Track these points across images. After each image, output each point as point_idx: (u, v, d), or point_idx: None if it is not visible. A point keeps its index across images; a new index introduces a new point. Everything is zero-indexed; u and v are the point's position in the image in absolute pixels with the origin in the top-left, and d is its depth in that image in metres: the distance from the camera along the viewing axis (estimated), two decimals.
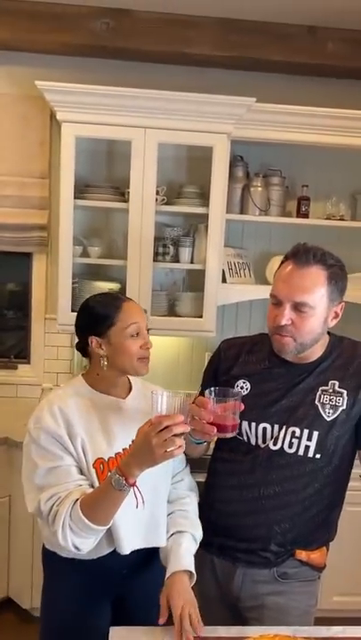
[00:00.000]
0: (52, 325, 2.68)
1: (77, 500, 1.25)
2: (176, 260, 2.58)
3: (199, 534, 1.45)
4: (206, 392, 1.28)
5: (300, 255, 1.35)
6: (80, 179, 2.48)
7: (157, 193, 2.45)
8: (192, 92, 2.33)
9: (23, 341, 2.87)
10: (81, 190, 2.49)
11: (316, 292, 1.32)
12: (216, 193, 2.44)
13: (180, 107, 2.34)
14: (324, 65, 2.58)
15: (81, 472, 1.33)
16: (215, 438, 1.56)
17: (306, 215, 2.67)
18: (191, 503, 1.49)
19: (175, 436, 1.13)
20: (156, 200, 2.45)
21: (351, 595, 2.53)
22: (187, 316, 2.58)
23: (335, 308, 1.38)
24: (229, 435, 1.29)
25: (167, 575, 1.35)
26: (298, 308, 1.33)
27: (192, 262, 2.58)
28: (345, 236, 2.80)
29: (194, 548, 1.43)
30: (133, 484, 1.20)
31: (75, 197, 2.43)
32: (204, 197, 2.52)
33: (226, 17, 2.49)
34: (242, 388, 1.46)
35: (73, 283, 2.54)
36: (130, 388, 1.48)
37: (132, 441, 1.34)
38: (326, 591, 2.44)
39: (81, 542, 1.26)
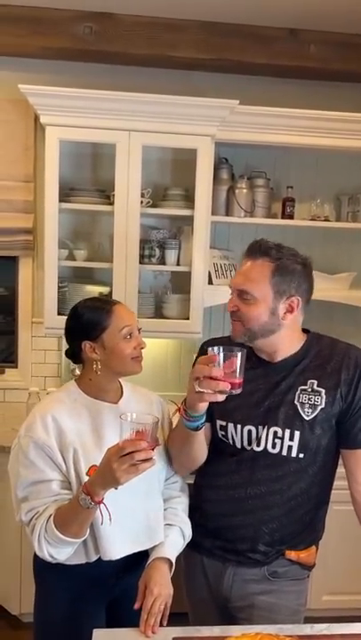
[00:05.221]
0: (39, 329, 2.68)
1: (51, 515, 1.27)
2: (162, 262, 2.58)
3: (188, 531, 1.47)
4: (210, 350, 1.25)
5: (250, 250, 1.42)
6: (65, 182, 2.48)
7: (142, 195, 2.46)
8: (176, 94, 2.34)
9: (11, 346, 2.86)
10: (66, 193, 2.49)
11: (257, 282, 1.37)
12: (201, 195, 2.45)
13: (163, 109, 2.34)
14: (306, 67, 2.60)
15: (68, 484, 1.34)
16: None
17: (291, 216, 2.69)
18: (182, 502, 1.51)
19: (140, 461, 1.15)
20: (142, 202, 2.45)
21: (341, 594, 2.53)
22: (174, 318, 2.59)
23: (287, 302, 1.38)
24: (236, 391, 1.25)
25: (148, 561, 1.38)
26: (242, 295, 1.39)
27: (178, 264, 2.59)
28: (330, 237, 2.83)
29: (181, 542, 1.45)
30: (100, 502, 1.22)
31: (60, 201, 2.42)
32: (189, 199, 2.52)
33: (209, 20, 2.50)
34: None
35: (62, 287, 2.54)
36: (122, 393, 1.49)
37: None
38: (316, 591, 2.45)
39: (57, 552, 1.29)
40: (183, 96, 2.34)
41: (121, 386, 1.50)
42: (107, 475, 1.18)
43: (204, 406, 1.29)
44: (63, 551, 1.30)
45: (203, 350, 1.57)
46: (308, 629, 1.25)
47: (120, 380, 1.50)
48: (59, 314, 2.47)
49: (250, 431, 1.42)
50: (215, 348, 1.24)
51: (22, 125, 2.63)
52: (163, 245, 2.59)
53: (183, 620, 1.48)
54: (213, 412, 1.43)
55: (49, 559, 1.30)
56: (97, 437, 1.38)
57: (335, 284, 2.69)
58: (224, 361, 1.23)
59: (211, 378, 1.22)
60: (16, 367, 2.83)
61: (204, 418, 1.34)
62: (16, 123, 2.62)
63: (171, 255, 2.57)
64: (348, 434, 1.41)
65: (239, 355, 1.23)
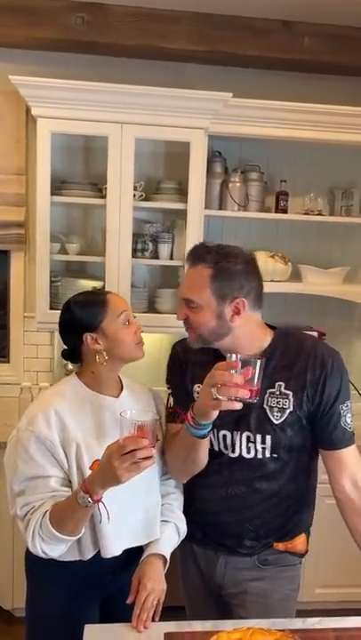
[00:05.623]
0: (32, 324, 2.66)
1: (47, 511, 1.26)
2: (155, 256, 2.57)
3: (183, 527, 1.48)
4: (228, 356, 1.25)
5: (188, 256, 1.41)
6: (57, 175, 2.45)
7: (135, 189, 2.44)
8: (168, 87, 2.32)
9: (3, 340, 2.84)
10: (58, 187, 2.46)
11: (197, 289, 1.36)
12: (194, 188, 2.43)
13: (156, 102, 2.32)
14: (299, 60, 2.58)
15: (67, 481, 1.33)
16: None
17: (285, 210, 2.68)
18: (177, 499, 1.51)
19: (141, 459, 1.14)
20: (134, 196, 2.43)
21: (333, 587, 2.55)
22: (167, 313, 2.58)
23: (232, 305, 1.36)
24: (253, 400, 1.24)
25: (143, 556, 1.38)
26: (188, 304, 1.38)
27: (172, 258, 2.57)
28: (323, 231, 2.83)
29: (175, 538, 1.45)
30: (98, 501, 1.21)
31: (52, 194, 2.40)
32: (182, 193, 2.51)
33: (201, 11, 2.47)
34: (197, 393, 1.45)
35: (55, 281, 2.52)
36: (121, 387, 1.49)
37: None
38: (308, 584, 2.46)
39: (50, 550, 1.28)
40: (176, 88, 2.32)
41: (120, 380, 1.50)
42: (107, 473, 1.17)
43: (215, 414, 1.27)
44: (56, 548, 1.29)
45: (174, 351, 1.56)
46: (300, 623, 1.25)
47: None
48: (51, 308, 2.45)
49: (225, 436, 1.42)
50: (234, 355, 1.23)
51: (13, 117, 2.59)
52: (156, 239, 2.57)
53: (178, 613, 1.48)
54: None
55: (42, 555, 1.29)
56: (99, 432, 1.37)
57: (329, 278, 2.69)
58: (242, 368, 1.22)
59: (230, 385, 1.20)
60: (8, 362, 2.81)
61: (212, 424, 1.32)
62: (7, 114, 2.59)
63: (164, 249, 2.55)
64: (323, 434, 1.40)
65: (259, 362, 1.22)
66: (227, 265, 1.35)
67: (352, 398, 2.70)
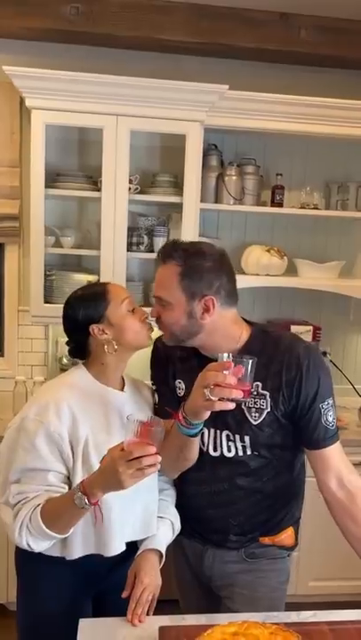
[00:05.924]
0: (26, 317, 2.64)
1: (40, 504, 1.25)
2: (151, 250, 2.56)
3: (178, 524, 1.48)
4: (220, 356, 1.23)
5: (159, 254, 1.40)
6: (51, 167, 2.44)
7: (130, 182, 2.42)
8: (164, 78, 2.30)
9: None
10: (53, 179, 2.44)
11: (167, 287, 1.35)
12: (190, 181, 2.42)
13: (152, 94, 2.30)
14: (296, 52, 2.56)
15: (67, 478, 1.32)
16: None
17: (280, 204, 2.67)
18: (171, 495, 1.51)
19: (147, 465, 1.11)
20: (130, 189, 2.42)
21: (326, 580, 2.56)
22: None
23: (201, 303, 1.34)
24: (246, 400, 1.23)
25: (139, 552, 1.38)
26: (160, 302, 1.38)
27: None
28: (319, 226, 2.83)
29: (170, 535, 1.45)
30: (95, 504, 1.19)
31: (46, 186, 2.38)
32: (178, 186, 2.50)
33: (197, 3, 2.45)
34: (179, 388, 1.45)
35: (50, 274, 2.51)
36: (124, 382, 1.48)
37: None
38: (302, 577, 2.48)
39: (35, 544, 1.27)
40: (172, 80, 2.30)
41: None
42: (110, 478, 1.14)
43: (208, 414, 1.26)
44: (42, 544, 1.28)
45: (155, 346, 1.54)
46: (294, 617, 1.25)
47: None
48: (46, 302, 2.44)
49: (202, 433, 1.40)
50: (225, 355, 1.21)
51: (7, 109, 2.57)
52: (151, 233, 2.56)
53: (172, 606, 1.49)
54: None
55: (25, 547, 1.28)
56: (106, 427, 1.36)
57: (324, 272, 2.68)
58: (234, 367, 1.20)
59: (224, 385, 1.18)
60: (2, 356, 2.79)
61: (203, 423, 1.31)
62: (0, 106, 2.56)
63: (159, 243, 2.53)
64: (304, 434, 1.39)
65: (251, 362, 1.21)
66: (195, 262, 1.34)
67: (347, 392, 2.75)
